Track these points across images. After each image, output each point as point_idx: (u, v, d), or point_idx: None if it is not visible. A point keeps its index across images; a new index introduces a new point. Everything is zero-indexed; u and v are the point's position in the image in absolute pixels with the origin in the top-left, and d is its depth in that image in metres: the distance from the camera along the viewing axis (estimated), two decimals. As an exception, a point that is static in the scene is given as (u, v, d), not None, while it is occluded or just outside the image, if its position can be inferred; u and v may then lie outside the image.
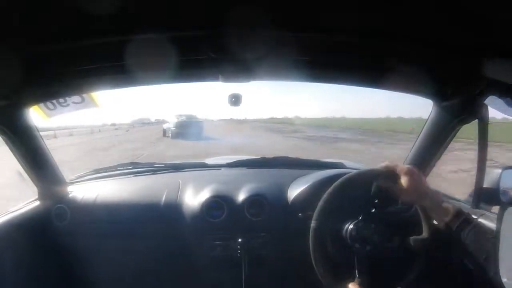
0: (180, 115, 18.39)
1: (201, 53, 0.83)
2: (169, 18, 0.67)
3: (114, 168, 1.55)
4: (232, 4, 0.60)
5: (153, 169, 1.53)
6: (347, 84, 1.10)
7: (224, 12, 0.63)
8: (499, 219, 0.52)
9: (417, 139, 1.25)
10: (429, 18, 0.62)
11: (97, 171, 1.55)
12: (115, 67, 0.90)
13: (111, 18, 0.62)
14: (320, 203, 1.04)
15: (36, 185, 1.31)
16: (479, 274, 0.75)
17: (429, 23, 0.64)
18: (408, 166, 0.90)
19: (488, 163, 1.01)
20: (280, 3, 0.61)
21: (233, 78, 0.97)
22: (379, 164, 0.93)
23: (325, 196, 1.03)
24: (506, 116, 0.88)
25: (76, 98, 1.07)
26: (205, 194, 1.28)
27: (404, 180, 0.87)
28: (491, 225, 1.03)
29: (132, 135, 21.27)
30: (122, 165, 1.57)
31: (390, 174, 0.91)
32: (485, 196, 1.09)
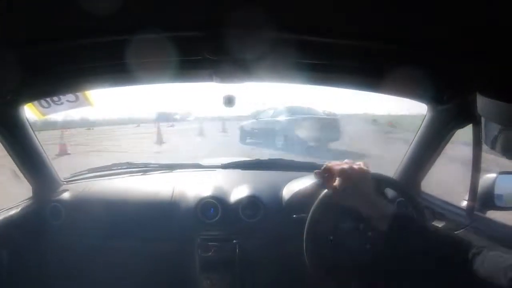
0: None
1: (197, 53, 0.83)
2: (165, 18, 0.67)
3: (109, 167, 1.55)
4: (229, 5, 0.60)
5: (148, 169, 1.53)
6: (343, 87, 1.10)
7: (221, 13, 0.63)
8: None
9: (411, 143, 1.25)
10: (427, 22, 0.62)
11: (91, 170, 1.54)
12: (110, 66, 0.91)
13: (106, 18, 0.62)
14: (315, 205, 1.04)
15: (31, 184, 1.31)
16: None
17: (427, 27, 0.64)
18: (349, 166, 0.82)
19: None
20: (277, 5, 0.61)
21: (229, 79, 0.97)
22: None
23: (319, 198, 1.04)
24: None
25: (70, 97, 1.08)
26: (199, 195, 1.28)
27: (339, 180, 0.81)
28: (486, 230, 1.03)
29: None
30: (117, 165, 1.56)
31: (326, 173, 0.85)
32: (480, 201, 1.09)
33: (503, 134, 0.56)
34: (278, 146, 7.45)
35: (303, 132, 7.23)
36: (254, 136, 8.81)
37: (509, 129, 0.56)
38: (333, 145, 7.64)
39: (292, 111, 8.36)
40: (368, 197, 0.81)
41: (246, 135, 9.07)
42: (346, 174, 0.81)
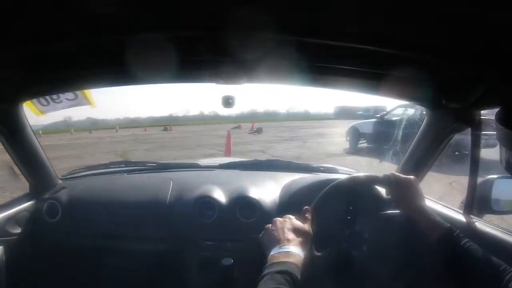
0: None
1: (197, 54, 0.82)
2: (167, 18, 0.66)
3: (106, 165, 1.54)
4: (231, 5, 0.60)
5: (146, 167, 1.53)
6: (343, 90, 1.10)
7: (223, 14, 0.62)
8: None
9: (410, 145, 1.26)
10: (428, 26, 0.62)
11: (89, 168, 1.54)
12: (110, 66, 0.90)
13: (106, 18, 0.61)
14: (312, 206, 1.04)
15: (28, 181, 1.31)
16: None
17: (428, 31, 0.64)
18: (408, 177, 0.98)
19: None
20: (278, 6, 0.61)
21: (230, 80, 0.96)
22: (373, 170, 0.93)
23: (316, 200, 1.04)
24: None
25: (69, 95, 1.07)
26: (196, 194, 1.28)
27: (401, 189, 0.96)
28: (482, 232, 1.04)
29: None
30: (115, 163, 1.56)
31: (389, 181, 0.99)
32: (477, 204, 1.10)
33: None
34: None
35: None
36: (372, 139, 7.15)
37: None
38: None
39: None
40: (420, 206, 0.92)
41: (359, 137, 7.44)
42: (411, 184, 0.96)
